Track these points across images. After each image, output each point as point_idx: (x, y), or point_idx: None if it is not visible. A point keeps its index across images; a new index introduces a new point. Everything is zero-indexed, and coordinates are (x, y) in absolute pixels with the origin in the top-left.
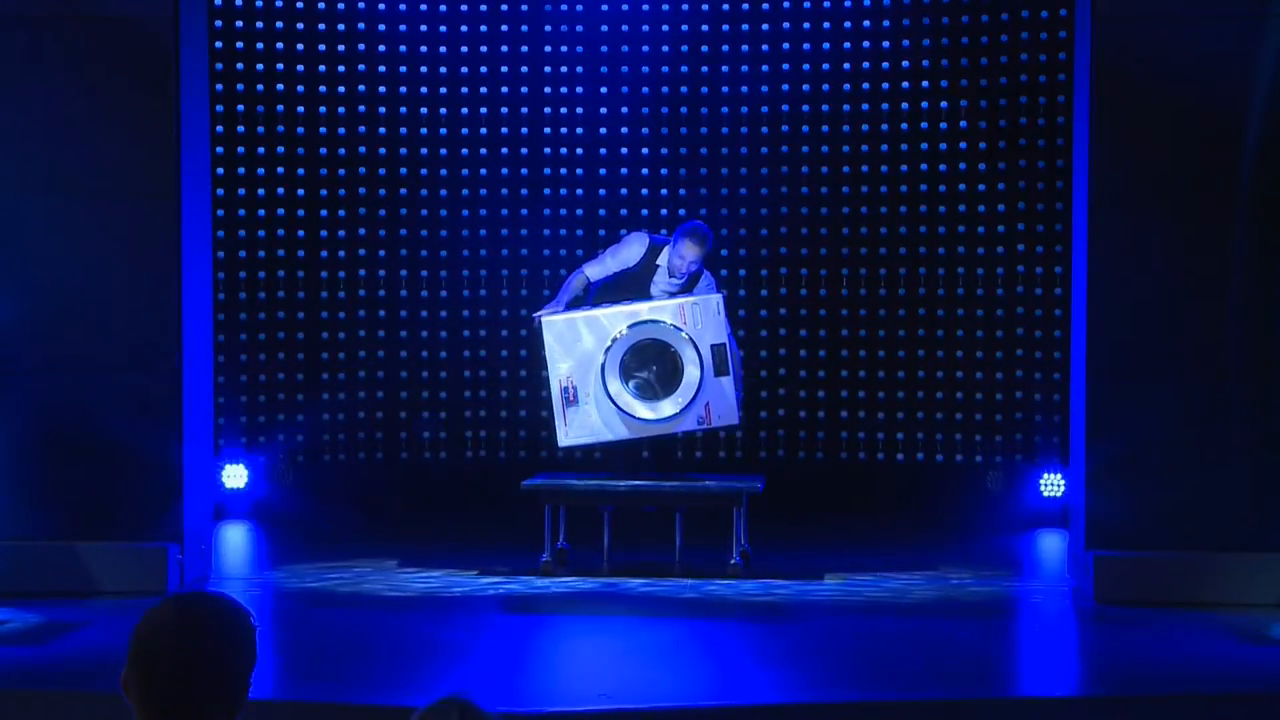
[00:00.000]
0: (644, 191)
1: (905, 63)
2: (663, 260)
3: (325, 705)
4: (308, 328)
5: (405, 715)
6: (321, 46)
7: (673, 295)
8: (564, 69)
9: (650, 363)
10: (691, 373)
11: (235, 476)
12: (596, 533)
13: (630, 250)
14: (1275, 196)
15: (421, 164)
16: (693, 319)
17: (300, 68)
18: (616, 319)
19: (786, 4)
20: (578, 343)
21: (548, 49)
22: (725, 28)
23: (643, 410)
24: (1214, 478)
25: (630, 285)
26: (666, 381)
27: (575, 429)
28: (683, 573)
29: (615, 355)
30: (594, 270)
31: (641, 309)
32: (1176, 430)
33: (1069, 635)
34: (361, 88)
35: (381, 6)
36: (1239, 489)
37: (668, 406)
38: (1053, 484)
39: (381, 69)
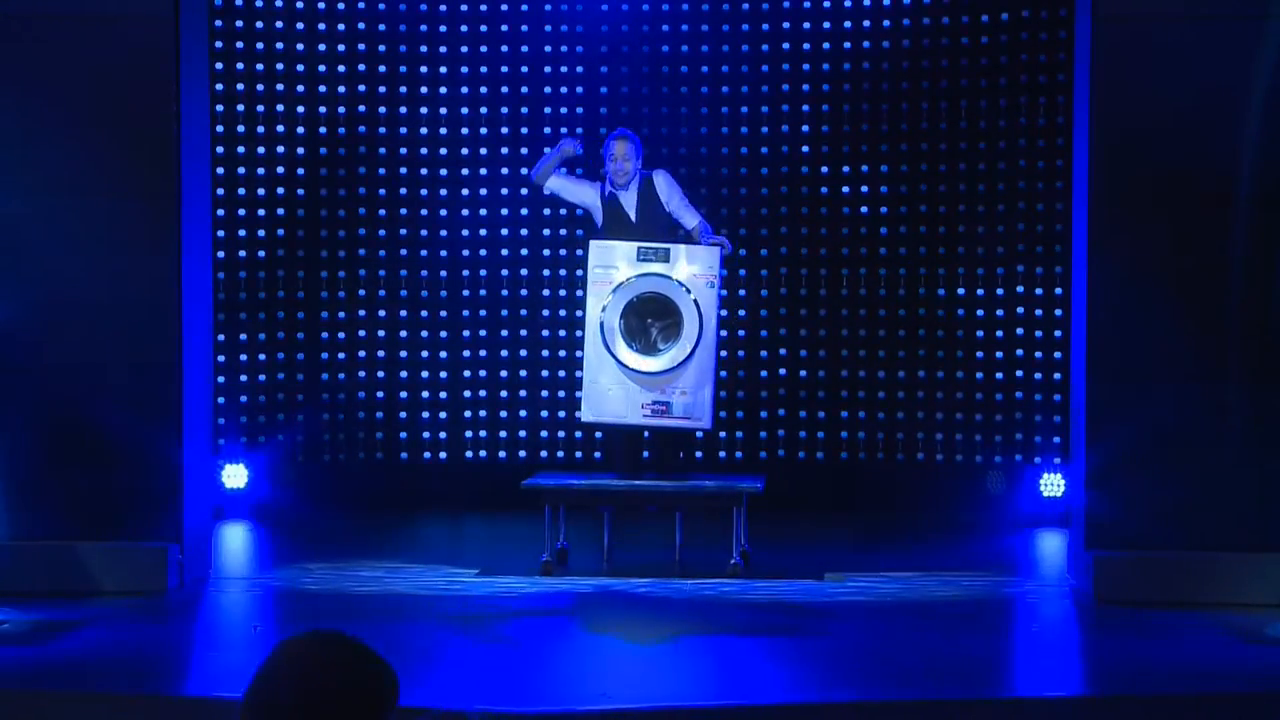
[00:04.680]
0: None
1: (905, 63)
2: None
3: None
4: (308, 328)
5: (405, 715)
6: (322, 46)
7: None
8: (564, 69)
9: (645, 321)
10: (675, 293)
11: (235, 476)
12: (596, 533)
13: (583, 190)
14: (1274, 197)
15: (421, 164)
16: (607, 278)
17: (300, 68)
18: (603, 377)
19: (787, 4)
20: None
21: (548, 49)
22: (725, 27)
23: (682, 346)
24: (1214, 478)
25: (615, 223)
26: (668, 312)
27: (694, 415)
28: (683, 573)
29: (630, 353)
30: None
31: (591, 327)
32: (1176, 430)
33: (1069, 635)
34: (361, 88)
35: (381, 6)
36: (1239, 489)
37: (689, 322)
38: (1053, 484)
39: (381, 69)
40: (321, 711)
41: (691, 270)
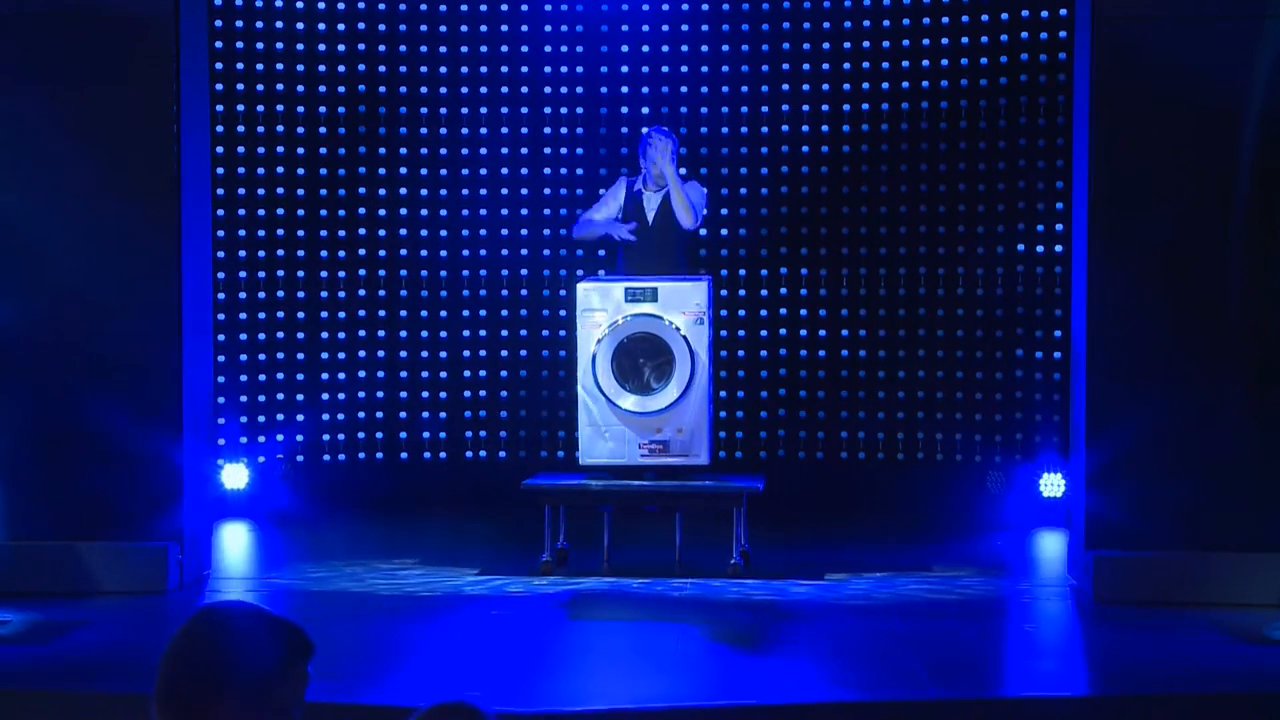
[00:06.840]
0: None
1: (905, 63)
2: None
3: (325, 705)
4: (308, 328)
5: (405, 715)
6: (321, 46)
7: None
8: (564, 70)
9: (637, 361)
10: (665, 332)
11: (235, 476)
12: (596, 533)
13: (613, 196)
14: (1274, 196)
15: (421, 164)
16: (596, 320)
17: (300, 67)
18: (594, 417)
19: (787, 4)
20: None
21: (548, 49)
22: (725, 27)
23: (675, 385)
24: (1214, 478)
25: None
26: (660, 351)
27: (692, 452)
28: (683, 573)
29: (624, 395)
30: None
31: (584, 370)
32: (1176, 430)
33: (1069, 635)
34: (362, 88)
35: (382, 6)
36: (1239, 489)
37: (680, 360)
38: (1053, 484)
39: (381, 69)
40: (230, 667)
41: (680, 307)
